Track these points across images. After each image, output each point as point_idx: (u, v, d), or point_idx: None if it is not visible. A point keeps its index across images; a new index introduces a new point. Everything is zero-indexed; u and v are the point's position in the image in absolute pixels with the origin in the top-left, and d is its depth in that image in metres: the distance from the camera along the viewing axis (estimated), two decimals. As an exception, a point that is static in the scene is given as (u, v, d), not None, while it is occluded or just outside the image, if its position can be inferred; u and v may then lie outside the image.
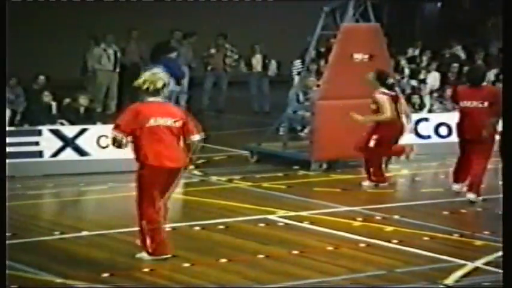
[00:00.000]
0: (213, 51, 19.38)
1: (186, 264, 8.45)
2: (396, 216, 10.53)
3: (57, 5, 20.38)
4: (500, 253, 8.91)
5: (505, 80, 7.71)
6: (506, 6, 7.78)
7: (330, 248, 9.10)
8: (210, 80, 19.51)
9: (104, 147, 13.10)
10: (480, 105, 11.30)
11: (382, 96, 12.18)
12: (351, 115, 12.26)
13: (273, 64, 20.06)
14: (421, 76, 18.02)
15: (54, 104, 14.33)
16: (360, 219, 10.38)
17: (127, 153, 13.09)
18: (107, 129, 13.32)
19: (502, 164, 6.92)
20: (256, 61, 19.85)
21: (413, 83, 17.80)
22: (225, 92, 19.61)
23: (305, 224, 10.16)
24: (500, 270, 8.30)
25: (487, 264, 8.56)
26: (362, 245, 9.25)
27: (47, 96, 14.34)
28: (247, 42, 19.73)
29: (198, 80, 19.50)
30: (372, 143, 12.16)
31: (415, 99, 16.76)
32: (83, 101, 14.03)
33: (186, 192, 12.49)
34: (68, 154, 12.95)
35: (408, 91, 17.41)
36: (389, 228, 9.95)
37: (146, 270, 8.25)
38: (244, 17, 22.40)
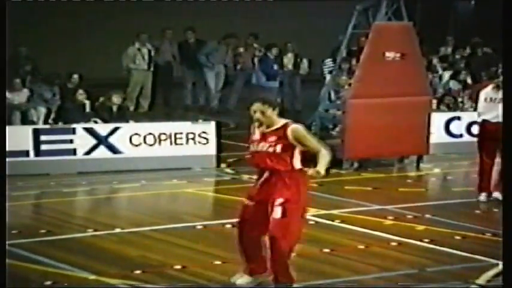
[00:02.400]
0: (241, 50, 19.46)
1: (218, 262, 8.50)
2: (428, 215, 10.52)
3: (91, 3, 20.53)
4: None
5: (505, 80, 7.67)
6: (506, 7, 7.72)
7: (361, 247, 9.11)
8: (240, 79, 19.59)
9: (136, 145, 13.22)
10: None
11: None
12: None
13: (305, 63, 20.06)
14: (461, 77, 17.89)
15: (88, 102, 14.47)
16: (391, 217, 10.38)
17: (159, 151, 13.35)
18: (140, 128, 13.54)
19: (502, 164, 6.89)
20: (288, 60, 19.87)
21: (452, 84, 17.71)
22: (255, 90, 19.64)
23: (336, 223, 10.18)
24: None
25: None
26: (393, 243, 9.25)
27: (81, 95, 14.50)
28: (279, 41, 19.76)
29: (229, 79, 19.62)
30: None
31: (449, 100, 16.70)
32: (116, 99, 14.15)
33: (218, 190, 12.57)
34: (101, 152, 13.07)
35: (441, 91, 17.35)
36: (421, 227, 9.94)
37: (178, 267, 8.31)
38: (276, 16, 22.42)
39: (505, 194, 6.60)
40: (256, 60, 19.35)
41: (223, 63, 19.31)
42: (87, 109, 14.34)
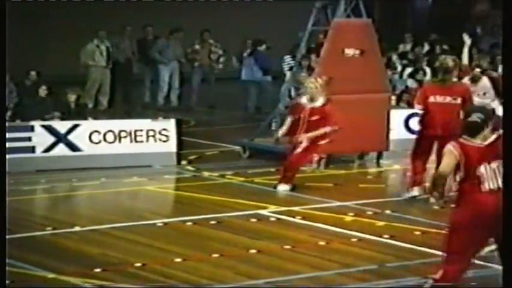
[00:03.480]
0: (197, 47, 19.48)
1: (178, 260, 8.48)
2: (388, 211, 10.58)
3: (50, 2, 20.37)
4: (490, 247, 8.96)
5: (505, 79, 7.69)
6: (506, 6, 7.76)
7: (322, 243, 9.13)
8: (197, 76, 19.60)
9: (96, 143, 13.13)
10: (453, 102, 11.23)
11: None
12: None
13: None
14: (419, 75, 18.00)
15: (48, 98, 14.36)
16: (351, 214, 10.42)
17: (119, 148, 13.28)
18: (99, 125, 13.45)
19: (502, 164, 6.89)
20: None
21: (410, 82, 17.81)
22: (213, 87, 19.70)
23: (297, 219, 10.19)
24: (490, 264, 8.36)
25: (477, 258, 8.59)
26: (354, 239, 9.29)
27: (43, 91, 14.39)
28: (239, 38, 19.76)
29: (186, 76, 19.62)
30: None
31: (408, 96, 16.81)
32: (72, 96, 14.06)
33: (178, 187, 12.53)
34: (60, 150, 12.96)
35: (401, 88, 17.45)
36: (381, 223, 9.99)
37: (138, 265, 8.26)
38: (235, 14, 22.41)
39: (505, 194, 6.57)
40: (213, 56, 19.42)
41: (177, 59, 19.31)
42: (48, 105, 14.21)
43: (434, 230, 9.68)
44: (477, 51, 19.35)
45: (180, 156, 13.62)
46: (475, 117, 6.92)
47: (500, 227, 6.74)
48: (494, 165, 6.84)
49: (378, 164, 13.76)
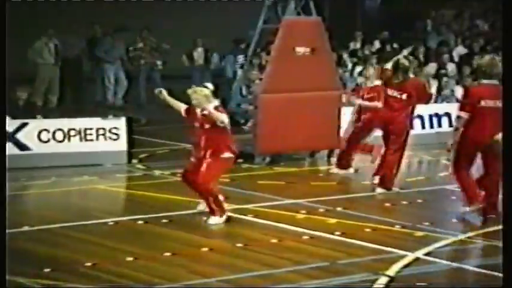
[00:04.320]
0: (140, 45, 19.46)
1: (130, 259, 8.43)
2: (339, 209, 10.63)
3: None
4: (440, 243, 9.07)
5: (505, 79, 7.76)
6: (506, 6, 7.80)
7: (274, 241, 9.15)
8: (143, 74, 19.60)
9: (45, 142, 13.01)
10: (399, 97, 11.50)
11: None
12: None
13: (215, 57, 20.10)
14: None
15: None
16: (303, 211, 10.45)
17: (68, 147, 13.16)
18: (48, 124, 13.32)
19: (502, 165, 6.98)
20: (198, 55, 19.89)
21: (360, 80, 17.93)
22: (159, 84, 19.66)
23: (249, 217, 10.20)
24: (440, 260, 8.45)
25: (427, 254, 8.70)
26: (305, 237, 9.32)
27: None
28: (190, 36, 19.73)
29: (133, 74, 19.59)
30: None
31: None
32: (20, 94, 13.90)
33: (129, 186, 12.47)
34: (8, 148, 12.78)
35: (352, 85, 17.55)
36: (333, 221, 10.04)
37: (89, 264, 8.20)
38: (186, 12, 22.34)
39: (505, 194, 6.65)
40: (155, 54, 19.46)
41: (121, 58, 19.31)
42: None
43: (384, 227, 9.76)
44: (425, 50, 19.58)
45: (131, 155, 13.55)
46: None
47: None
48: None
49: (329, 162, 13.83)
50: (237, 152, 9.91)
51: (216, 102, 9.78)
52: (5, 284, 6.78)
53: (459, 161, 10.07)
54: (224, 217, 9.82)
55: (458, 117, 10.07)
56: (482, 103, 9.92)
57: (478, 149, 10.03)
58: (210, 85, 9.84)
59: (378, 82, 12.51)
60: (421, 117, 15.43)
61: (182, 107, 10.17)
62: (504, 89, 7.62)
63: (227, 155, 9.73)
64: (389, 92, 11.74)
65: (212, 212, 9.82)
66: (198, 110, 9.77)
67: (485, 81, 10.05)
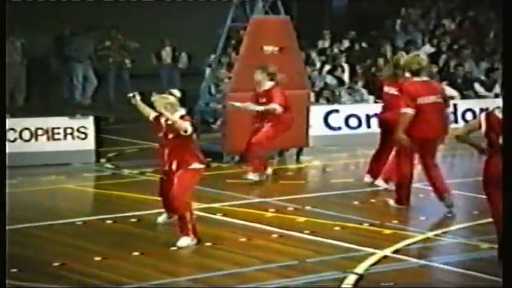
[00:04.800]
0: (108, 43, 19.41)
1: (98, 258, 8.39)
2: (308, 207, 10.65)
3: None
4: (408, 241, 9.13)
5: (505, 79, 7.80)
6: (506, 6, 7.84)
7: (243, 240, 9.15)
8: (112, 73, 19.55)
9: (11, 141, 12.90)
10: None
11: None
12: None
13: (184, 57, 20.07)
14: (337, 73, 18.19)
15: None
16: (272, 210, 10.46)
17: (36, 146, 13.07)
18: (15, 123, 13.22)
19: (502, 165, 7.02)
20: (166, 54, 19.85)
21: (329, 79, 17.98)
22: (128, 83, 19.64)
23: (218, 216, 10.19)
24: (408, 258, 8.50)
25: (395, 252, 8.75)
26: (274, 235, 9.33)
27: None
28: (157, 36, 19.69)
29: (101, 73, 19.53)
30: None
31: (327, 93, 16.99)
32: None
33: (98, 185, 12.41)
34: (-25, 148, 12.70)
35: (320, 84, 17.61)
36: (301, 219, 10.06)
37: (57, 264, 8.15)
38: (154, 11, 22.28)
39: (505, 193, 6.68)
40: (124, 53, 19.40)
41: (93, 57, 19.26)
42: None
43: (353, 225, 9.80)
44: (392, 49, 19.69)
45: (99, 154, 13.49)
46: None
47: None
48: None
49: (298, 161, 13.86)
50: (205, 161, 9.33)
51: (183, 110, 9.10)
52: (5, 284, 6.73)
53: (402, 155, 10.56)
54: (195, 241, 8.90)
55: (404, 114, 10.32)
56: (420, 100, 10.25)
57: (422, 142, 10.41)
58: (176, 92, 9.52)
59: (271, 84, 12.10)
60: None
61: (151, 114, 9.59)
62: (504, 88, 7.70)
63: (196, 165, 8.95)
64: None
65: (184, 232, 8.86)
66: (163, 119, 9.18)
67: (416, 79, 10.44)
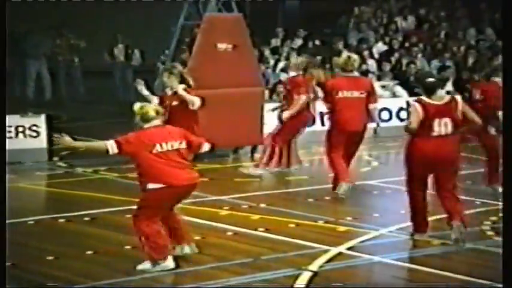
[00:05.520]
0: (58, 41, 19.30)
1: (51, 258, 8.32)
2: (263, 205, 10.67)
3: None
4: (362, 238, 9.18)
5: (505, 79, 7.84)
6: (506, 6, 7.86)
7: (197, 238, 9.12)
8: (62, 71, 19.43)
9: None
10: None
11: None
12: None
13: (137, 54, 19.98)
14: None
15: None
16: (226, 208, 10.46)
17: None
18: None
19: (502, 164, 7.08)
20: (119, 51, 19.75)
21: (282, 77, 18.00)
22: (80, 81, 19.51)
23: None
24: (362, 255, 8.55)
25: (349, 249, 8.79)
26: (229, 233, 9.33)
27: None
28: (110, 33, 19.57)
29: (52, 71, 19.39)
30: None
31: (281, 90, 16.98)
32: None
33: (50, 184, 12.30)
34: None
35: (274, 82, 17.61)
36: (256, 217, 10.07)
37: (8, 264, 8.06)
38: (107, 8, 22.15)
39: (505, 193, 6.74)
40: (73, 50, 19.30)
41: (44, 54, 19.15)
42: None
43: (307, 222, 9.83)
44: (344, 46, 19.79)
45: (51, 152, 13.37)
46: (432, 79, 8.84)
47: (445, 163, 8.82)
48: (444, 120, 8.74)
49: (253, 158, 13.87)
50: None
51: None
52: (5, 284, 6.64)
53: (331, 147, 11.25)
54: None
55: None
56: (340, 94, 11.18)
57: (346, 135, 11.17)
58: (155, 99, 9.63)
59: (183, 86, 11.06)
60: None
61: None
62: (504, 88, 7.80)
63: (151, 186, 8.07)
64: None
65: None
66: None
67: (343, 74, 11.37)
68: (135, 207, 10.35)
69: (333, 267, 8.17)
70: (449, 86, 18.79)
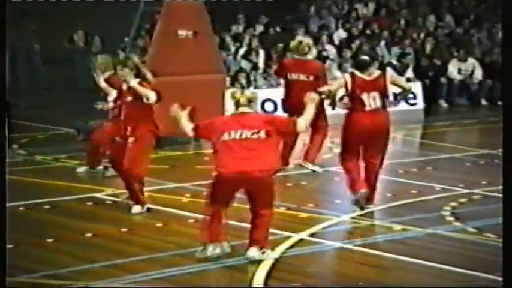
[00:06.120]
0: (17, 29, 19.18)
1: (10, 246, 8.24)
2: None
3: None
4: (323, 224, 9.22)
5: (505, 79, 7.87)
6: (506, 7, 7.88)
7: (159, 225, 9.11)
8: (22, 58, 19.27)
9: None
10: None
11: None
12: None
13: (97, 40, 19.84)
14: (252, 56, 18.20)
15: None
16: (188, 195, 10.44)
17: None
18: None
19: (502, 164, 7.11)
20: (78, 37, 19.60)
21: (243, 63, 17.99)
22: (40, 68, 19.34)
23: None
24: (324, 241, 8.59)
25: (311, 235, 8.82)
26: (191, 220, 9.31)
27: None
28: (70, 19, 19.40)
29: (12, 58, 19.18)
30: None
31: (242, 77, 17.00)
32: None
33: (10, 171, 12.15)
34: None
35: (236, 69, 17.60)
36: (218, 204, 10.03)
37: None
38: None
39: (505, 193, 6.80)
40: (34, 36, 19.14)
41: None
42: None
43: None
44: (305, 32, 19.81)
45: (10, 140, 13.23)
46: (365, 57, 9.60)
47: (378, 138, 9.60)
48: (373, 94, 9.47)
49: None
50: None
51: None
52: (5, 284, 6.56)
53: None
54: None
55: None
56: (288, 76, 11.78)
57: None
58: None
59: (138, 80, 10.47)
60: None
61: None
62: (504, 88, 7.85)
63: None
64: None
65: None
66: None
67: (296, 57, 11.83)
68: (95, 194, 10.35)
69: (295, 254, 8.19)
70: (409, 73, 18.92)
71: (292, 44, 11.91)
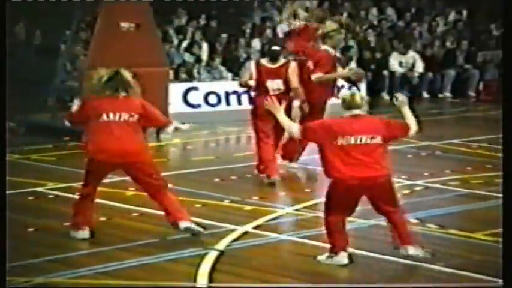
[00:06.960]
0: None
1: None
2: (169, 185, 10.57)
3: None
4: (268, 216, 9.26)
5: (505, 79, 7.90)
6: (506, 7, 7.89)
7: (103, 219, 9.05)
8: None
9: None
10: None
11: None
12: None
13: (38, 33, 19.60)
14: (195, 50, 18.15)
15: None
16: (132, 189, 10.36)
17: None
18: None
19: (502, 164, 7.14)
20: (20, 29, 19.34)
21: (186, 56, 17.93)
22: None
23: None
24: (269, 233, 8.62)
25: (256, 228, 8.84)
26: (135, 214, 9.27)
27: None
28: (11, 11, 19.11)
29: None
30: None
31: (185, 70, 16.95)
32: None
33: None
34: None
35: (179, 62, 17.53)
36: (162, 197, 9.99)
37: None
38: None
39: (505, 193, 6.81)
40: None
41: None
42: None
43: (214, 202, 9.85)
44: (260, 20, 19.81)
45: None
46: (276, 47, 10.80)
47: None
48: (276, 81, 10.66)
49: (158, 139, 13.79)
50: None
51: None
52: (5, 284, 6.43)
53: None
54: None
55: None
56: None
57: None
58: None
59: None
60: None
61: None
62: (504, 88, 7.91)
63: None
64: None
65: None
66: None
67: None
68: (37, 189, 10.23)
69: (240, 246, 8.20)
70: (352, 66, 19.05)
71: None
